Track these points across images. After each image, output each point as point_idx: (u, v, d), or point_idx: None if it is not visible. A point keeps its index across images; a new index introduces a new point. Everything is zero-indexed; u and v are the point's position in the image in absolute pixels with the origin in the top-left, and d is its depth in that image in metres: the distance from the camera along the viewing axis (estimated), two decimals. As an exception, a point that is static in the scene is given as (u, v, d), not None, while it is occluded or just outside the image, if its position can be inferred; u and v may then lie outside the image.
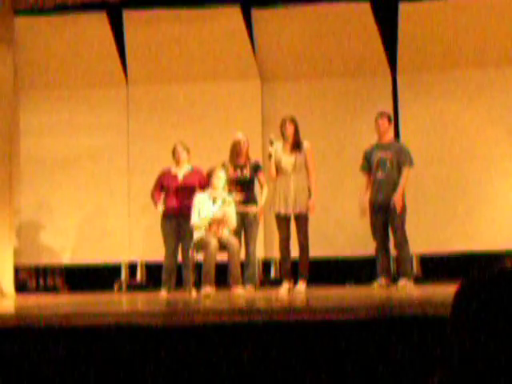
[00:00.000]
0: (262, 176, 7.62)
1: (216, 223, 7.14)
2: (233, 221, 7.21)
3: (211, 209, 7.18)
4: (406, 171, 7.32)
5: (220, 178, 7.24)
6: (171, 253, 7.60)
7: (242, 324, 3.77)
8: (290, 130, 7.22)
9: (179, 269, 7.60)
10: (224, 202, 7.20)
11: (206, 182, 7.47)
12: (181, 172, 7.72)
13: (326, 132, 8.89)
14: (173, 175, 7.71)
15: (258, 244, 7.73)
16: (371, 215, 7.39)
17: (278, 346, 3.57)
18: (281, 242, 7.26)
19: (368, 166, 7.45)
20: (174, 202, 7.62)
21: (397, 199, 7.20)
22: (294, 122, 7.25)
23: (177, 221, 7.57)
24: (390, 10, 8.71)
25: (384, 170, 7.33)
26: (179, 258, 7.66)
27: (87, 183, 9.19)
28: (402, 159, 7.33)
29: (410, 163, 7.36)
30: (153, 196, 7.77)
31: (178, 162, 7.73)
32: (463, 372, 1.36)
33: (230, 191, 7.42)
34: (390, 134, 7.60)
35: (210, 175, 7.33)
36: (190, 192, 7.56)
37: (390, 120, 7.52)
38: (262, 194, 7.62)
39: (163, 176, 7.75)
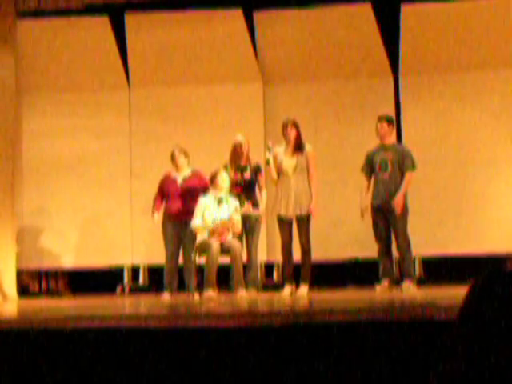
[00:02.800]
0: (261, 179, 7.62)
1: (221, 228, 7.13)
2: (239, 227, 7.22)
3: (216, 212, 7.17)
4: (408, 175, 7.30)
5: (224, 179, 7.26)
6: (172, 256, 7.60)
7: (244, 327, 3.76)
8: (292, 133, 7.22)
9: (181, 272, 7.60)
10: (236, 209, 7.20)
11: (206, 185, 7.47)
12: (180, 176, 7.72)
13: (328, 134, 8.89)
14: (172, 179, 7.72)
15: (260, 247, 7.72)
16: (373, 217, 7.39)
17: (280, 349, 3.56)
18: (283, 244, 7.25)
19: (369, 168, 7.44)
20: (175, 207, 7.62)
21: (397, 202, 7.18)
22: (295, 125, 7.26)
23: (178, 225, 7.57)
24: (391, 11, 8.71)
25: (386, 172, 7.32)
26: (180, 261, 7.66)
27: (89, 186, 9.19)
28: (404, 162, 7.31)
29: (413, 167, 7.34)
30: (154, 203, 7.77)
31: (177, 167, 7.74)
32: (469, 372, 1.34)
33: (230, 192, 7.42)
34: (392, 137, 7.58)
35: (214, 177, 7.32)
36: (191, 196, 7.56)
37: (390, 123, 7.50)
38: (260, 196, 7.63)
39: (164, 181, 7.75)
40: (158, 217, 7.67)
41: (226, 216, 7.15)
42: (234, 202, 7.27)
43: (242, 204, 7.41)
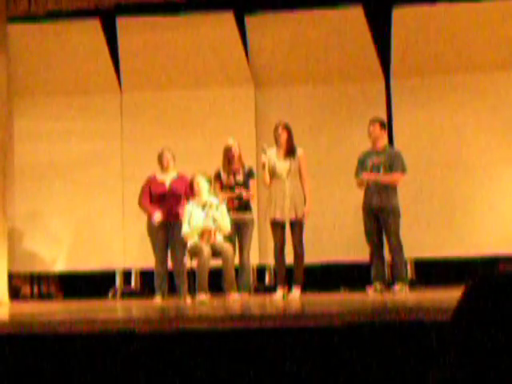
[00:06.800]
0: (252, 184, 7.62)
1: (207, 232, 7.14)
2: (225, 225, 7.21)
3: (201, 217, 7.18)
4: (396, 174, 7.32)
5: (200, 183, 7.28)
6: (161, 259, 7.61)
7: (236, 330, 3.76)
8: (283, 136, 7.24)
9: (171, 275, 7.60)
10: (211, 207, 7.21)
11: (190, 189, 7.50)
12: (167, 179, 7.72)
13: (320, 137, 8.90)
14: (160, 182, 7.70)
15: (252, 250, 7.72)
16: (365, 220, 7.40)
17: (272, 353, 3.57)
18: (275, 247, 7.26)
19: (362, 172, 7.46)
20: (160, 209, 7.60)
21: (367, 174, 7.23)
22: (287, 128, 7.27)
23: (165, 228, 7.57)
24: (383, 15, 8.72)
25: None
26: (170, 264, 7.66)
27: (81, 190, 9.18)
28: (394, 165, 7.34)
29: (403, 169, 7.36)
30: (142, 205, 7.73)
31: (165, 169, 7.72)
32: (463, 375, 1.34)
33: (223, 197, 7.44)
34: (384, 140, 7.60)
35: (191, 184, 7.37)
36: (177, 199, 7.58)
37: (382, 126, 7.53)
38: (252, 200, 7.64)
39: (150, 183, 7.73)
40: (159, 214, 7.60)
41: (209, 218, 7.17)
42: (215, 202, 7.28)
43: (235, 208, 7.46)
